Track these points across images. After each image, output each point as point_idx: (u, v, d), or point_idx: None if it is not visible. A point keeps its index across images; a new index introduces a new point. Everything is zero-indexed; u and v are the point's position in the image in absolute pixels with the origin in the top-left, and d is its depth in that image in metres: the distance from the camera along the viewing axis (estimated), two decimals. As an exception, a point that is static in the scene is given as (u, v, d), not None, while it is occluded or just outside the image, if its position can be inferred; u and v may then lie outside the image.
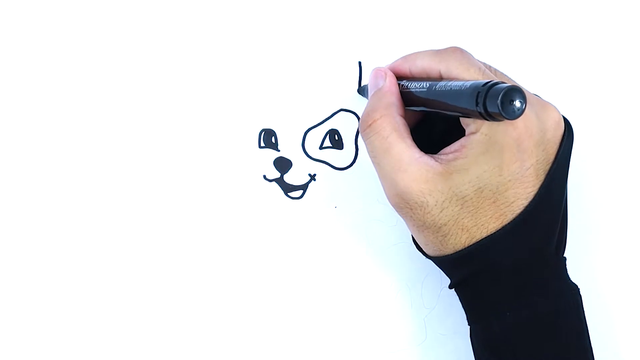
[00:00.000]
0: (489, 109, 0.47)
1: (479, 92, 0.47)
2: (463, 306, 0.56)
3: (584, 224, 0.62)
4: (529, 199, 0.52)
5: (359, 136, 0.62)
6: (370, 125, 0.53)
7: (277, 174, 0.62)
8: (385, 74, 0.55)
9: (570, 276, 0.55)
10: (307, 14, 0.63)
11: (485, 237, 0.52)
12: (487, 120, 0.48)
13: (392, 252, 0.62)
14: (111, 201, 0.62)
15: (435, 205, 0.52)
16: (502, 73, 0.54)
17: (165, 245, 0.62)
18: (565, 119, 0.53)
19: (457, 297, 0.56)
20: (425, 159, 0.52)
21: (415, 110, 0.54)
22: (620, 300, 0.63)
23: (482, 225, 0.52)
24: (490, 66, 0.54)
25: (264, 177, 0.62)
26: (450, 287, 0.56)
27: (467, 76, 0.51)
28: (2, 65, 0.62)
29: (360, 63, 0.63)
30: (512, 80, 0.54)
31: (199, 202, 0.62)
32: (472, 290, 0.54)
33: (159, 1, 0.62)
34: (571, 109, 0.56)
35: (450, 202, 0.52)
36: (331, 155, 0.62)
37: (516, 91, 0.46)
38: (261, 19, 0.62)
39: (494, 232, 0.52)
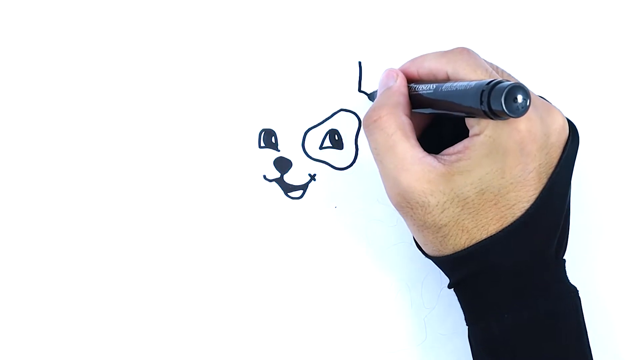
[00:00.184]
0: (493, 107, 0.47)
1: (483, 91, 0.47)
2: (462, 306, 0.56)
3: (584, 226, 0.62)
4: (531, 202, 0.52)
5: (360, 132, 0.62)
6: (375, 121, 0.53)
7: (277, 174, 0.62)
8: (397, 75, 0.55)
9: (569, 278, 0.55)
10: (307, 14, 0.63)
11: (485, 239, 0.52)
12: (492, 119, 0.48)
13: (392, 252, 0.62)
14: (111, 201, 0.62)
15: (437, 205, 0.52)
16: (509, 74, 0.54)
17: (165, 245, 0.62)
18: (571, 123, 0.53)
19: (457, 297, 0.56)
20: (429, 159, 0.52)
21: (424, 113, 0.54)
22: (620, 303, 0.63)
23: (482, 226, 0.52)
24: (497, 67, 0.54)
25: (264, 177, 0.62)
26: (449, 287, 0.56)
27: (474, 77, 0.51)
28: (2, 65, 0.62)
29: (360, 63, 0.63)
30: (518, 81, 0.54)
31: (199, 202, 0.62)
32: (471, 290, 0.54)
33: (159, 1, 0.62)
34: (572, 111, 0.56)
35: (451, 203, 0.52)
36: (331, 155, 0.62)
37: (520, 89, 0.46)
38: (261, 19, 0.62)
39: (494, 234, 0.52)
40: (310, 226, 0.62)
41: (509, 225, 0.52)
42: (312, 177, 0.62)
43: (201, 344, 0.62)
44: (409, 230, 0.61)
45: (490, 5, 0.63)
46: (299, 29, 0.62)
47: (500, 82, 0.47)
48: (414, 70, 0.55)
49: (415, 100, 0.54)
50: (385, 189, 0.54)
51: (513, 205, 0.51)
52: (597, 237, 0.63)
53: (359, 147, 0.62)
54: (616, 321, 0.63)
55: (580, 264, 0.60)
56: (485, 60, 0.53)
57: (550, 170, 0.52)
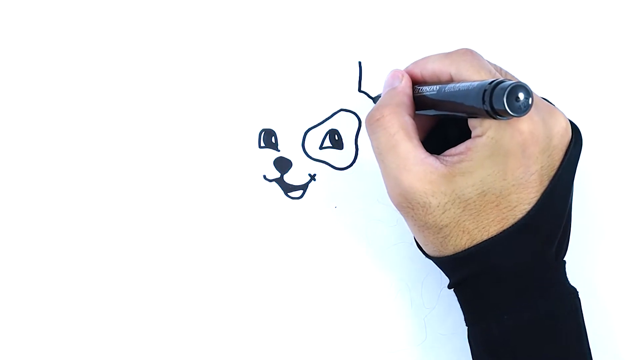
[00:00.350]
0: (495, 106, 0.47)
1: (485, 90, 0.47)
2: (462, 307, 0.56)
3: (585, 227, 0.62)
4: (532, 204, 0.52)
5: (360, 132, 0.62)
6: (377, 120, 0.53)
7: (277, 174, 0.62)
8: (402, 75, 0.55)
9: (570, 279, 0.55)
10: (307, 14, 0.62)
11: (486, 240, 0.52)
12: (494, 118, 0.48)
13: (392, 252, 0.62)
14: (111, 201, 0.62)
15: (438, 206, 0.52)
16: (512, 76, 0.54)
17: (165, 245, 0.62)
18: (574, 125, 0.53)
19: (457, 300, 0.56)
20: (431, 160, 0.52)
21: (427, 114, 0.54)
22: (620, 304, 0.63)
23: (483, 228, 0.52)
24: (501, 68, 0.54)
25: (264, 177, 0.62)
26: (449, 287, 0.56)
27: (477, 78, 0.51)
28: (2, 65, 0.62)
29: (360, 63, 0.62)
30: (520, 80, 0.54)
31: (199, 202, 0.62)
32: (471, 291, 0.54)
33: (159, 1, 0.62)
34: (573, 112, 0.56)
35: (452, 204, 0.52)
36: (331, 155, 0.62)
37: (521, 87, 0.46)
38: (261, 19, 0.62)
39: (495, 235, 0.52)
40: (310, 226, 0.62)
41: (510, 227, 0.52)
42: (312, 177, 0.62)
43: (201, 344, 0.62)
44: (409, 230, 0.61)
45: (492, 6, 0.63)
46: (299, 29, 0.62)
47: (502, 81, 0.47)
48: (418, 72, 0.55)
49: (419, 102, 0.54)
50: (387, 188, 0.54)
51: (514, 207, 0.51)
52: (598, 239, 0.63)
53: (359, 147, 0.62)
54: (616, 322, 0.63)
55: (581, 265, 0.60)
56: (488, 62, 0.53)
57: (552, 173, 0.52)
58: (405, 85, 0.55)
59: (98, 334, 0.61)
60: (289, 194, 0.62)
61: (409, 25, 0.63)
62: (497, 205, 0.51)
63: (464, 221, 0.52)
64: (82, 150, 0.62)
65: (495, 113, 0.47)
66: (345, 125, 0.62)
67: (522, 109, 0.46)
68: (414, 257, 0.62)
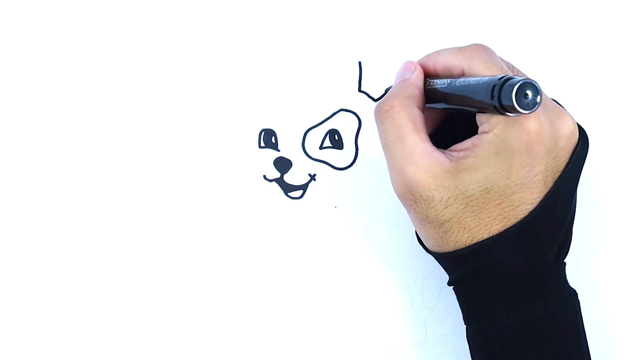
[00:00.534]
0: (504, 102, 0.47)
1: (494, 86, 0.47)
2: (460, 306, 0.56)
3: (585, 230, 0.62)
4: (535, 205, 0.51)
5: (360, 132, 0.62)
6: (387, 110, 0.53)
7: (277, 174, 0.62)
8: (415, 67, 0.55)
9: (569, 281, 0.55)
10: (307, 14, 0.62)
11: (487, 238, 0.52)
12: (502, 114, 0.48)
13: (392, 252, 0.62)
14: (111, 201, 0.62)
15: (440, 201, 0.52)
16: (524, 74, 0.54)
17: (165, 245, 0.62)
18: (581, 129, 0.53)
19: (457, 298, 0.56)
20: (437, 154, 0.52)
21: (437, 108, 0.54)
22: (620, 307, 0.63)
23: (484, 225, 0.52)
24: (513, 66, 0.54)
25: (264, 177, 0.62)
26: (449, 284, 0.56)
27: (489, 74, 0.51)
28: (2, 65, 0.62)
29: (360, 63, 0.62)
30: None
31: (199, 202, 0.62)
32: (470, 290, 0.54)
33: (159, 1, 0.62)
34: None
35: (455, 199, 0.52)
36: (331, 155, 0.62)
37: (531, 85, 0.46)
38: (261, 19, 0.62)
39: (496, 234, 0.52)
40: (310, 226, 0.62)
41: (511, 227, 0.51)
42: (312, 177, 0.62)
43: (201, 344, 0.62)
44: (409, 230, 0.61)
45: (493, 6, 0.63)
46: (299, 29, 0.62)
47: (512, 77, 0.47)
48: (430, 65, 0.55)
49: (429, 95, 0.54)
50: (391, 179, 0.54)
51: (517, 206, 0.51)
52: (598, 241, 0.63)
53: (359, 147, 0.62)
54: (615, 325, 0.63)
55: (581, 267, 0.60)
56: (501, 58, 0.53)
57: (557, 175, 0.52)
58: (416, 77, 0.55)
59: (98, 333, 0.61)
60: (289, 194, 0.62)
61: (409, 25, 0.63)
62: (499, 204, 0.51)
63: (465, 218, 0.52)
64: (82, 151, 0.62)
65: (503, 109, 0.47)
66: (345, 125, 0.62)
67: (530, 106, 0.46)
68: (414, 257, 0.62)
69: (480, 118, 0.51)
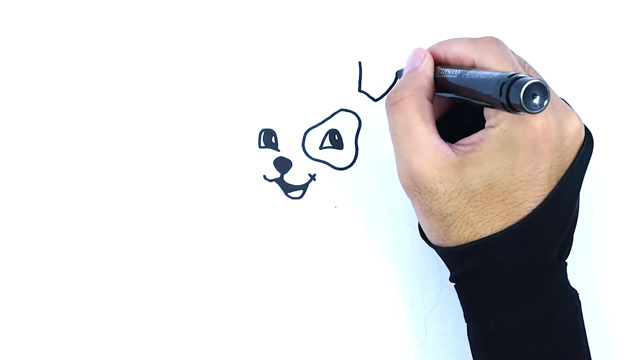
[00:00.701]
0: (511, 100, 0.47)
1: (503, 83, 0.47)
2: (461, 303, 0.56)
3: (586, 230, 0.62)
4: (538, 203, 0.52)
5: (360, 132, 0.62)
6: (397, 102, 0.53)
7: (277, 174, 0.62)
8: (425, 55, 0.55)
9: (571, 281, 0.55)
10: (307, 14, 0.62)
11: (490, 235, 0.52)
12: (509, 111, 0.48)
13: (392, 252, 0.62)
14: (111, 201, 0.62)
15: (444, 194, 0.52)
16: (535, 71, 0.54)
17: (165, 245, 0.62)
18: (587, 129, 0.53)
19: (457, 297, 0.56)
20: (443, 146, 0.52)
21: (446, 97, 0.54)
22: (620, 308, 0.63)
23: (487, 221, 0.52)
24: (525, 62, 0.54)
25: (264, 177, 0.62)
26: (450, 280, 0.56)
27: (500, 68, 0.51)
28: (2, 65, 0.62)
29: (360, 63, 0.62)
30: (543, 79, 0.54)
31: (199, 202, 0.62)
32: (471, 287, 0.54)
33: (159, 1, 0.62)
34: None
35: (459, 193, 0.52)
36: (331, 155, 0.62)
37: (540, 86, 0.46)
38: (261, 19, 0.62)
39: (499, 232, 0.52)
40: (310, 226, 0.62)
41: (514, 224, 0.52)
42: (312, 177, 0.62)
43: (201, 344, 0.61)
44: (409, 231, 0.61)
45: (493, 6, 0.63)
46: (299, 29, 0.62)
47: (522, 76, 0.47)
48: (442, 53, 0.55)
49: (439, 83, 0.54)
50: (397, 169, 0.54)
51: (520, 203, 0.51)
52: (600, 242, 0.63)
53: (359, 147, 0.62)
54: (616, 326, 0.63)
55: (581, 268, 0.60)
56: (513, 53, 0.53)
57: (561, 174, 0.52)
58: (426, 65, 0.55)
59: (98, 333, 0.61)
60: (289, 194, 0.62)
61: (409, 26, 0.63)
62: (502, 200, 0.51)
63: (468, 212, 0.52)
64: (82, 151, 0.62)
65: (510, 107, 0.47)
66: (345, 125, 0.62)
67: (537, 107, 0.46)
68: (414, 257, 0.62)
69: (488, 112, 0.51)
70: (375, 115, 0.62)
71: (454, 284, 0.56)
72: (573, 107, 0.53)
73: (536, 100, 0.46)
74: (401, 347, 0.62)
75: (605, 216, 0.63)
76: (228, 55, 0.62)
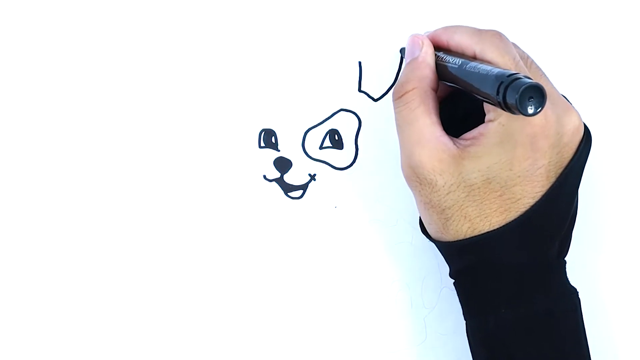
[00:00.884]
0: (508, 100, 0.47)
1: (502, 82, 0.47)
2: (460, 299, 0.56)
3: (587, 229, 0.62)
4: (536, 199, 0.52)
5: (360, 132, 0.62)
6: (401, 96, 0.54)
7: (277, 174, 0.62)
8: (422, 42, 0.55)
9: (570, 279, 0.55)
10: (307, 14, 0.62)
11: (487, 232, 0.52)
12: (505, 110, 0.48)
13: (392, 252, 0.62)
14: (111, 201, 0.62)
15: (443, 186, 0.52)
16: (537, 66, 0.54)
17: (165, 246, 0.62)
18: (585, 127, 0.53)
19: (457, 298, 0.56)
20: (445, 139, 0.52)
21: (447, 85, 0.55)
22: (620, 306, 0.63)
23: (485, 217, 0.52)
24: (528, 57, 0.54)
25: (264, 177, 0.62)
26: (450, 276, 0.56)
27: (501, 62, 0.51)
28: (2, 65, 0.62)
29: (360, 63, 0.62)
30: (545, 76, 0.54)
31: (199, 202, 0.62)
32: (469, 283, 0.55)
33: (159, 1, 0.62)
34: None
35: (457, 186, 0.52)
36: (331, 155, 0.62)
37: (536, 89, 0.46)
38: (261, 19, 0.62)
39: (497, 228, 0.52)
40: (310, 226, 0.62)
41: (512, 221, 0.52)
42: (312, 177, 0.62)
43: (201, 344, 0.61)
44: (409, 231, 0.61)
45: (495, 6, 0.63)
46: (299, 29, 0.62)
47: (519, 78, 0.47)
48: (444, 39, 0.55)
49: (440, 70, 0.55)
50: (400, 161, 0.54)
51: (518, 199, 0.52)
52: (599, 240, 0.63)
53: (359, 147, 0.62)
54: (616, 325, 0.63)
55: (581, 266, 0.60)
56: (516, 46, 0.53)
57: (560, 170, 0.52)
58: (425, 53, 0.55)
59: (98, 333, 0.61)
60: (289, 194, 0.62)
61: (409, 26, 0.63)
62: (500, 196, 0.52)
63: (466, 207, 0.52)
64: (82, 151, 0.62)
65: (506, 106, 0.48)
66: (345, 125, 0.62)
67: (532, 111, 0.46)
68: (414, 257, 0.62)
69: (487, 106, 0.51)
70: (375, 115, 0.62)
71: (454, 281, 0.56)
72: (573, 104, 0.54)
73: (532, 103, 0.46)
74: (401, 347, 0.62)
75: (605, 214, 0.63)
76: (228, 56, 0.62)
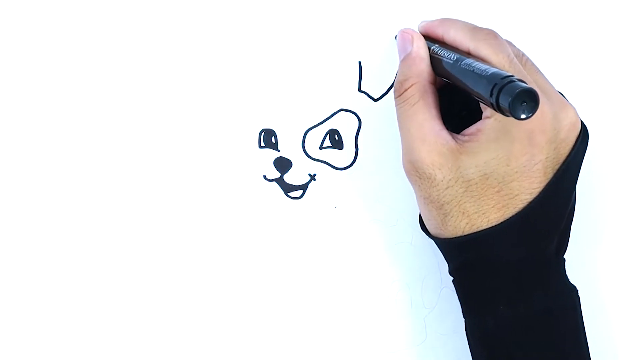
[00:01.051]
0: (501, 103, 0.47)
1: (495, 84, 0.47)
2: (459, 298, 0.56)
3: (586, 227, 0.62)
4: (534, 195, 0.52)
5: (360, 132, 0.62)
6: (401, 94, 0.55)
7: (277, 174, 0.62)
8: (412, 37, 0.56)
9: (570, 279, 0.55)
10: (307, 14, 0.62)
11: (485, 228, 0.52)
12: (497, 112, 0.48)
13: (392, 252, 0.62)
14: (111, 201, 0.62)
15: (442, 181, 0.52)
16: (532, 63, 0.55)
17: (165, 246, 0.62)
18: (582, 123, 0.53)
19: (457, 297, 0.56)
20: (444, 133, 0.53)
21: (440, 78, 0.55)
22: (620, 305, 0.63)
23: (483, 213, 0.52)
24: (523, 54, 0.55)
25: (264, 177, 0.62)
26: (449, 273, 0.56)
27: (495, 60, 0.52)
28: (2, 65, 0.62)
29: (360, 63, 0.63)
30: (540, 73, 0.54)
31: (199, 202, 0.62)
32: (468, 281, 0.55)
33: (159, 1, 0.62)
34: (579, 109, 0.56)
35: (456, 181, 0.52)
36: (331, 155, 0.62)
37: (530, 94, 0.46)
38: (261, 19, 0.62)
39: (495, 225, 0.52)
40: (310, 226, 0.62)
41: (510, 217, 0.52)
42: (312, 177, 0.62)
43: (201, 344, 0.61)
44: (409, 231, 0.61)
45: (495, 6, 0.63)
46: (299, 29, 0.62)
47: (514, 81, 0.47)
48: (440, 33, 0.56)
49: (435, 65, 0.55)
50: (401, 156, 0.55)
51: (515, 195, 0.52)
52: (599, 239, 0.63)
53: (359, 147, 0.62)
54: (615, 323, 0.63)
55: (580, 264, 0.60)
56: (511, 44, 0.53)
57: (557, 166, 0.52)
58: (417, 48, 0.56)
59: (98, 333, 0.61)
60: (289, 194, 0.62)
61: (409, 26, 0.63)
62: (498, 192, 0.52)
63: (464, 202, 0.52)
64: (81, 151, 0.62)
65: (499, 108, 0.48)
66: (345, 125, 0.62)
67: (525, 114, 0.47)
68: (414, 257, 0.62)
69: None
70: (375, 115, 0.62)
71: (452, 278, 0.56)
72: (570, 101, 0.54)
73: (525, 108, 0.46)
74: (401, 347, 0.62)
75: (603, 212, 0.63)
76: (228, 56, 0.62)
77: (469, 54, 0.53)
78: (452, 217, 0.53)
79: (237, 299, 0.62)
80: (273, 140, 0.62)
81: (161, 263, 0.62)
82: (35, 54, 0.62)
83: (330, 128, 0.62)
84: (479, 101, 0.51)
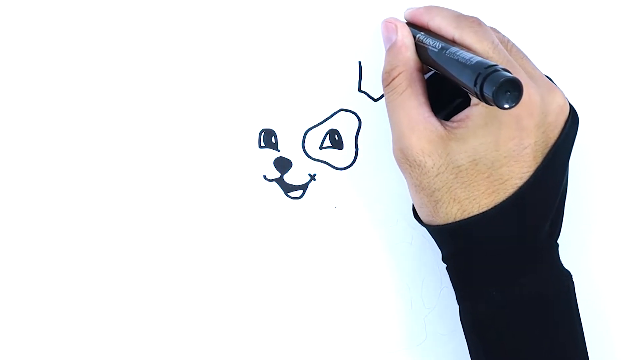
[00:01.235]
0: (485, 93, 0.47)
1: (479, 73, 0.47)
2: (452, 284, 0.56)
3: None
4: (524, 180, 0.52)
5: (360, 132, 0.62)
6: (389, 83, 0.55)
7: (277, 174, 0.62)
8: (396, 26, 0.56)
9: (565, 265, 0.55)
10: (308, 14, 0.63)
11: (477, 214, 0.52)
12: (482, 101, 0.49)
13: (392, 252, 0.62)
14: (111, 201, 0.62)
15: (432, 167, 0.52)
16: (518, 49, 0.55)
17: (165, 246, 0.62)
18: (572, 107, 0.53)
19: (448, 275, 0.56)
20: (433, 120, 0.53)
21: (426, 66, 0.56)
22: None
23: (474, 199, 0.52)
24: (508, 40, 0.55)
25: (264, 177, 0.62)
26: (443, 260, 0.56)
27: (479, 47, 0.52)
28: (2, 65, 0.62)
29: (360, 63, 0.63)
30: (527, 58, 0.54)
31: (199, 202, 0.62)
32: (461, 266, 0.55)
33: (159, 1, 0.62)
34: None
35: (446, 168, 0.52)
36: (331, 155, 0.62)
37: (513, 84, 0.46)
38: (261, 19, 0.62)
39: (486, 210, 0.52)
40: (310, 226, 0.62)
41: (501, 202, 0.52)
42: (312, 177, 0.62)
43: (201, 344, 0.62)
44: (409, 231, 0.61)
45: (493, 6, 0.63)
46: (299, 29, 0.63)
47: (498, 70, 0.47)
48: (425, 20, 0.56)
49: (421, 53, 0.55)
50: (392, 143, 0.55)
51: (506, 180, 0.52)
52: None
53: (359, 147, 0.62)
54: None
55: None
56: (496, 31, 0.54)
57: (547, 150, 0.52)
58: (402, 36, 0.56)
59: (98, 333, 0.61)
60: (289, 194, 0.62)
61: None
62: (488, 177, 0.52)
63: (455, 189, 0.52)
64: (81, 151, 0.62)
65: (483, 98, 0.48)
66: (345, 125, 0.62)
67: (509, 103, 0.47)
68: (414, 257, 0.62)
69: None
70: (375, 115, 0.62)
71: (446, 265, 0.56)
72: (557, 85, 0.54)
73: (508, 97, 0.47)
74: (401, 347, 0.62)
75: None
76: (228, 55, 0.62)
77: (453, 42, 0.53)
78: (443, 203, 0.53)
79: (237, 299, 0.62)
80: (273, 140, 0.62)
81: (161, 263, 0.62)
82: (36, 54, 0.62)
83: (330, 128, 0.63)
84: (463, 89, 0.51)
